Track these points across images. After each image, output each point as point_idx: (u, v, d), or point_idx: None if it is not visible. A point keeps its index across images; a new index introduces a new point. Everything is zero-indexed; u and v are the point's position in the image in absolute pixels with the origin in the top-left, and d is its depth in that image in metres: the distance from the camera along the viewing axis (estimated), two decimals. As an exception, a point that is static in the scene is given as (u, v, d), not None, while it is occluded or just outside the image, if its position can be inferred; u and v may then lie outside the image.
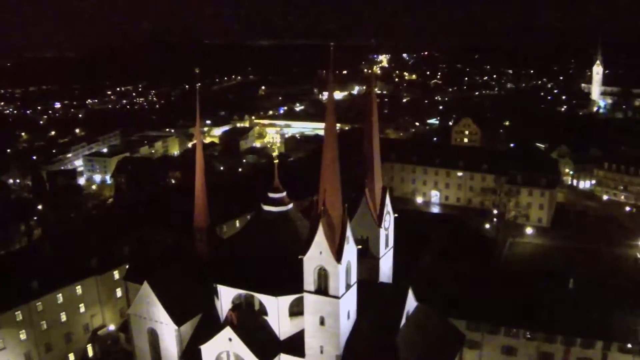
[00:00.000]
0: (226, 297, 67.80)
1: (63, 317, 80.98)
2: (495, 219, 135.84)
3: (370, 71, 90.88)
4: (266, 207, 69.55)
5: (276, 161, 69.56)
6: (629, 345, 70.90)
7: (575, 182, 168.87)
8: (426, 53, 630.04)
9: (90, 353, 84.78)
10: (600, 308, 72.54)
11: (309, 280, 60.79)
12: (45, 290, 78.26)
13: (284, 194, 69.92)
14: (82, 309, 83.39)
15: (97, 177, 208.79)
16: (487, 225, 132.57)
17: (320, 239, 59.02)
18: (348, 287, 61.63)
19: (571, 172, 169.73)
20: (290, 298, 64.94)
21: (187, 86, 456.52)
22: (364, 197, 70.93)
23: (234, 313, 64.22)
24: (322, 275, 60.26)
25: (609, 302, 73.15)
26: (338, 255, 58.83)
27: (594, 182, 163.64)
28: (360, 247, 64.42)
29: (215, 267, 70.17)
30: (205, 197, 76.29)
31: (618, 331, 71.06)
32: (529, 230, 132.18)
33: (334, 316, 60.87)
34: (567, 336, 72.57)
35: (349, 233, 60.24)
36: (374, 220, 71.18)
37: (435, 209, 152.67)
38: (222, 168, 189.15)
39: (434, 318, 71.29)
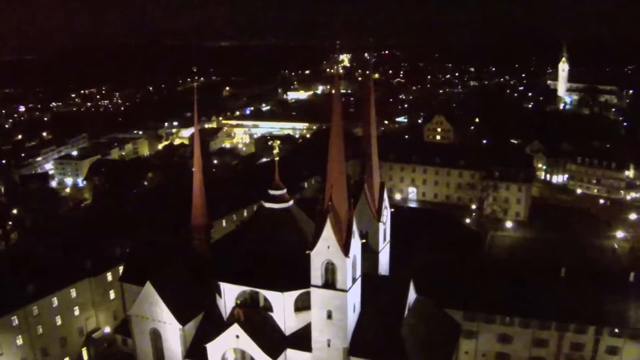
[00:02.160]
0: (230, 294, 67.99)
1: (58, 321, 79.88)
2: (474, 214, 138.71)
3: (367, 71, 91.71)
4: (267, 204, 70.02)
5: (277, 159, 69.93)
6: (615, 331, 73.88)
7: (548, 176, 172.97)
8: (387, 52, 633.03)
9: (85, 356, 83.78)
10: (592, 295, 74.95)
11: (317, 274, 61.57)
12: (41, 294, 77.18)
13: (285, 190, 70.53)
14: (77, 312, 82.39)
15: (69, 181, 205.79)
16: (468, 220, 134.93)
17: (328, 234, 59.89)
18: (354, 280, 62.72)
19: (544, 167, 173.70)
20: (296, 293, 65.53)
21: (150, 88, 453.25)
22: (363, 193, 72.07)
23: (241, 310, 64.42)
24: (330, 270, 61.15)
25: (599, 289, 75.57)
26: (346, 249, 59.78)
27: (567, 176, 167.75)
28: (364, 241, 65.56)
29: (218, 265, 70.29)
30: (203, 196, 76.22)
31: (609, 316, 73.66)
32: (508, 224, 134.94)
33: (342, 309, 61.80)
34: (561, 322, 74.82)
35: (354, 227, 61.24)
36: (373, 215, 72.50)
37: (413, 206, 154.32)
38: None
39: (432, 309, 72.72)
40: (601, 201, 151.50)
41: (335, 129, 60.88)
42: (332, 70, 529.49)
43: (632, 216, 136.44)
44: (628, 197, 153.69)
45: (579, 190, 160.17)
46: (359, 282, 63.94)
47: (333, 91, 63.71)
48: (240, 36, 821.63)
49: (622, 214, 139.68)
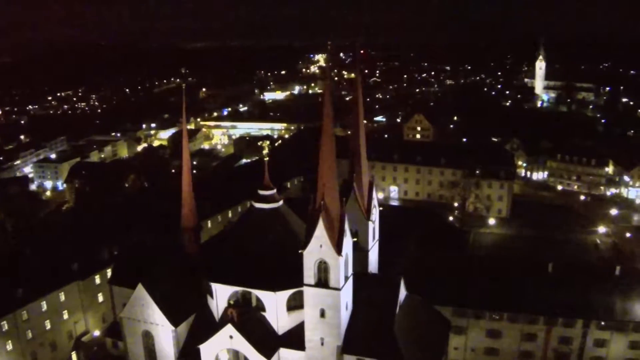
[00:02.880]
0: (222, 295, 68.06)
1: (47, 325, 79.30)
2: (456, 212, 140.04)
3: (357, 74, 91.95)
4: (257, 205, 70.22)
5: (266, 159, 70.08)
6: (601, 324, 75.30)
7: (529, 174, 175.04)
8: (362, 51, 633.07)
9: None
10: (579, 289, 76.25)
11: (309, 274, 61.88)
12: (30, 298, 76.51)
13: (275, 191, 70.83)
14: (66, 316, 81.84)
15: (48, 184, 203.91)
16: (450, 218, 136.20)
17: (320, 233, 60.25)
18: (346, 278, 63.16)
19: (524, 165, 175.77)
20: (288, 293, 65.85)
21: (127, 90, 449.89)
22: (352, 191, 72.43)
23: (234, 310, 64.51)
24: (322, 269, 61.50)
25: (586, 284, 76.94)
26: (338, 247, 60.20)
27: (547, 173, 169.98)
28: (355, 239, 66.06)
29: (209, 266, 70.28)
30: (193, 197, 76.12)
31: (596, 310, 75.01)
32: (491, 221, 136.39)
33: (335, 308, 62.20)
34: (549, 317, 76.04)
35: (346, 226, 61.69)
36: (362, 213, 72.80)
37: (395, 204, 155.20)
38: (173, 171, 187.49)
39: (422, 306, 73.37)
40: (582, 197, 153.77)
41: (326, 129, 61.17)
42: (308, 70, 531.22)
43: (613, 212, 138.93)
44: (608, 193, 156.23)
45: (559, 187, 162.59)
46: (350, 280, 64.37)
47: (324, 92, 63.92)
48: (214, 37, 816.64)
49: (603, 209, 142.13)
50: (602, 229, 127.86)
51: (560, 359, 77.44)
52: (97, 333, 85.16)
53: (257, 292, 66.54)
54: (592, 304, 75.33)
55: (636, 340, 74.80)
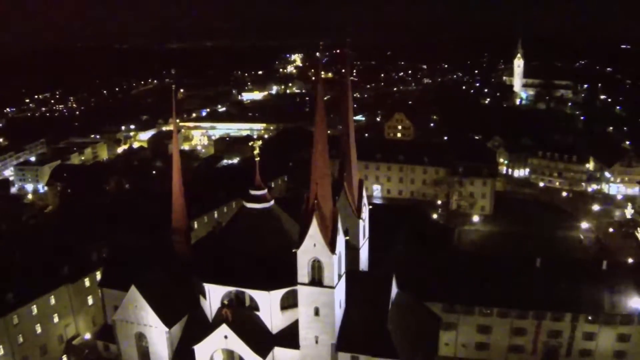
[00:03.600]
0: (215, 295, 68.18)
1: (38, 329, 78.56)
2: (440, 210, 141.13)
3: (347, 74, 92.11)
4: (249, 205, 70.47)
5: (257, 159, 70.29)
6: (590, 317, 76.68)
7: (510, 171, 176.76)
8: (338, 51, 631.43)
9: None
10: (567, 284, 77.51)
11: (303, 272, 62.37)
12: (20, 302, 75.82)
13: (266, 191, 71.10)
14: (56, 319, 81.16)
15: (29, 187, 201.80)
16: (434, 216, 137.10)
17: (314, 232, 60.79)
18: (339, 277, 63.71)
19: (506, 162, 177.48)
20: (282, 292, 66.20)
21: (105, 91, 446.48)
22: (342, 191, 73.03)
23: (229, 310, 64.66)
24: (316, 267, 62.03)
25: (574, 278, 78.23)
26: (332, 246, 60.82)
27: (528, 170, 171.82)
28: (347, 237, 66.65)
29: (201, 266, 70.35)
30: (183, 198, 76.08)
31: (584, 304, 76.36)
32: (474, 218, 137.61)
33: (329, 306, 62.77)
34: (538, 311, 77.25)
35: (339, 225, 62.25)
36: (353, 211, 73.56)
37: (378, 202, 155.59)
38: (154, 172, 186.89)
39: (413, 303, 74.13)
40: (564, 194, 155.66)
41: (319, 129, 61.82)
42: (284, 70, 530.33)
43: (595, 207, 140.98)
44: (589, 189, 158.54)
45: (541, 184, 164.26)
46: (343, 278, 64.96)
47: (315, 93, 64.44)
48: (189, 38, 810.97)
49: (585, 205, 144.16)
50: (585, 225, 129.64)
51: (550, 352, 78.67)
52: (87, 336, 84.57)
53: (251, 292, 66.81)
54: (580, 298, 76.64)
55: (624, 333, 76.31)
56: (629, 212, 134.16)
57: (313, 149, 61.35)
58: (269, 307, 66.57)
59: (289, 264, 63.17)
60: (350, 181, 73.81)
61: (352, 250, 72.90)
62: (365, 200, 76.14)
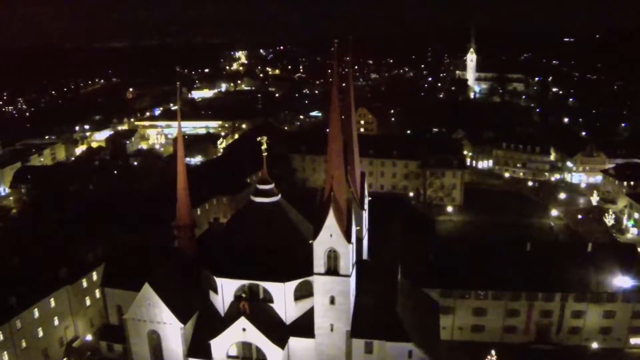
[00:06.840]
0: (228, 289, 69.22)
1: (40, 333, 77.55)
2: (413, 202, 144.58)
3: (346, 69, 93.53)
4: (257, 199, 71.74)
5: (265, 154, 71.56)
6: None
7: (474, 162, 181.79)
8: (282, 47, 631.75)
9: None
10: (556, 266, 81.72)
11: (319, 263, 64.18)
12: (23, 307, 74.84)
13: (273, 185, 72.47)
14: (56, 322, 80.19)
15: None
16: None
17: (330, 223, 62.67)
18: (353, 265, 65.75)
19: (470, 154, 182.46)
20: (296, 283, 67.88)
21: (53, 92, 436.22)
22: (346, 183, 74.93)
23: (246, 303, 65.80)
24: (332, 257, 63.88)
25: (562, 260, 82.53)
26: (348, 235, 62.90)
27: (492, 161, 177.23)
28: (358, 228, 68.77)
29: (212, 261, 71.19)
30: (188, 195, 76.63)
31: (572, 284, 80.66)
32: (448, 209, 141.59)
33: (345, 294, 64.85)
34: (530, 292, 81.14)
35: (353, 215, 64.30)
36: (356, 203, 75.56)
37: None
38: (115, 172, 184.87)
39: (412, 289, 76.88)
40: (530, 183, 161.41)
41: (334, 124, 64.04)
42: (230, 68, 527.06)
43: (562, 196, 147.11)
44: (553, 179, 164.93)
45: (507, 175, 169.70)
46: (355, 267, 67.08)
47: (331, 89, 66.26)
48: (131, 37, 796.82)
49: (552, 194, 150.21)
50: (554, 212, 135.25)
51: (542, 331, 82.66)
52: (88, 337, 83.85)
53: (265, 284, 68.16)
54: (568, 278, 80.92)
55: (609, 310, 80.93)
56: (594, 199, 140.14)
57: (328, 147, 63.41)
58: (283, 298, 68.07)
59: (301, 255, 65.00)
60: (353, 174, 75.77)
61: (357, 240, 75.16)
62: (366, 192, 78.41)
